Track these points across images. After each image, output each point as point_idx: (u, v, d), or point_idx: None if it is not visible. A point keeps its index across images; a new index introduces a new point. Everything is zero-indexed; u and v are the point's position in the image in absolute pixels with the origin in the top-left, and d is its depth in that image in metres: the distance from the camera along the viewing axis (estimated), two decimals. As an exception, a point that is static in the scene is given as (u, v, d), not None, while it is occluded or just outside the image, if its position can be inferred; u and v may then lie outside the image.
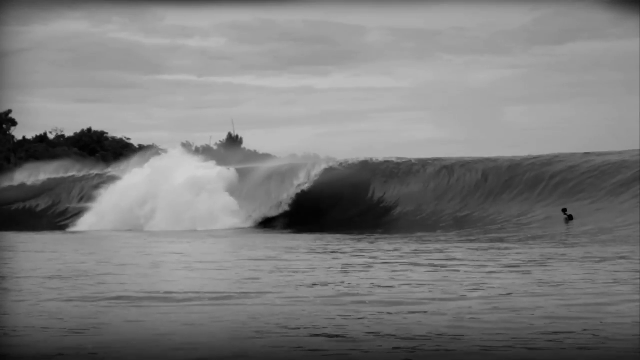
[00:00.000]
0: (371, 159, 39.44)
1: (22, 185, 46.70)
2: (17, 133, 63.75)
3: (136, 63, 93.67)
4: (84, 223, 40.18)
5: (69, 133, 65.88)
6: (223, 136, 64.21)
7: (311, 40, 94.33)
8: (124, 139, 65.61)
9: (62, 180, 46.55)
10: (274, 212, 37.91)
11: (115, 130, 77.37)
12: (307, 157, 42.41)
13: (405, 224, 33.31)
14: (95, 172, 46.59)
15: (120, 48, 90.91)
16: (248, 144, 63.95)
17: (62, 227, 40.66)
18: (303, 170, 39.11)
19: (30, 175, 47.22)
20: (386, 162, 39.13)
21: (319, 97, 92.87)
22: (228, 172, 40.80)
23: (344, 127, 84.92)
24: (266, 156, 52.11)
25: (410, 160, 38.86)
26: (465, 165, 37.07)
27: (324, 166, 39.10)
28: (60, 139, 64.92)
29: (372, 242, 23.60)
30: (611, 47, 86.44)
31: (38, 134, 64.80)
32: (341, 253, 19.82)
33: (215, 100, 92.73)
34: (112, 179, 42.94)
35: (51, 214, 44.17)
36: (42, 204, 45.51)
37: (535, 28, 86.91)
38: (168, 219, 37.32)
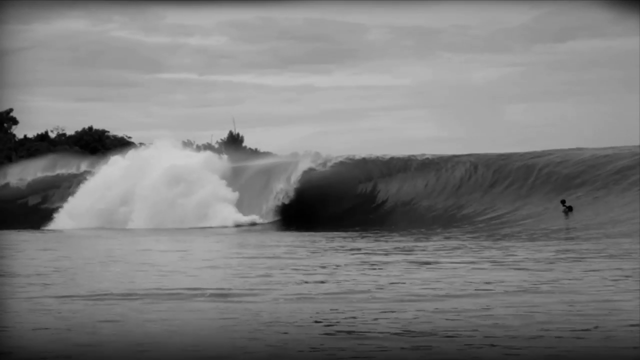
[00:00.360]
0: (353, 156, 38.60)
1: (7, 184, 46.49)
2: (18, 132, 63.83)
3: (137, 62, 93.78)
4: (60, 222, 38.72)
5: (70, 131, 65.81)
6: (224, 134, 64.17)
7: (312, 39, 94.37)
8: (125, 137, 65.48)
9: (51, 177, 46.12)
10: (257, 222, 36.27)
11: (116, 128, 77.28)
12: (307, 154, 41.92)
13: (400, 220, 33.12)
14: (84, 168, 46.00)
15: (121, 47, 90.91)
16: (249, 142, 64.01)
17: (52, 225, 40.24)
18: (284, 173, 37.86)
19: (20, 172, 47.01)
20: (367, 158, 38.37)
21: (319, 95, 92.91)
22: (219, 160, 38.77)
23: (344, 125, 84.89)
24: (267, 154, 51.96)
25: (394, 157, 38.28)
26: (451, 160, 36.69)
27: (303, 168, 37.84)
28: (61, 138, 64.83)
29: (375, 240, 23.49)
30: (611, 46, 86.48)
31: (39, 133, 64.75)
32: (343, 251, 19.70)
33: (216, 99, 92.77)
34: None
35: (42, 211, 43.80)
36: (32, 201, 45.25)
37: (535, 26, 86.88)
38: (153, 214, 35.86)
